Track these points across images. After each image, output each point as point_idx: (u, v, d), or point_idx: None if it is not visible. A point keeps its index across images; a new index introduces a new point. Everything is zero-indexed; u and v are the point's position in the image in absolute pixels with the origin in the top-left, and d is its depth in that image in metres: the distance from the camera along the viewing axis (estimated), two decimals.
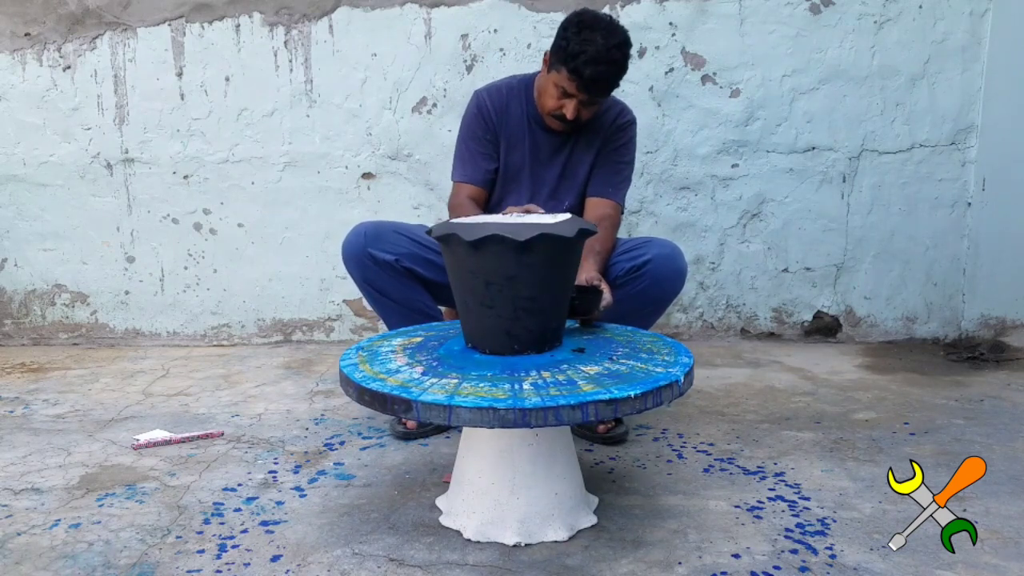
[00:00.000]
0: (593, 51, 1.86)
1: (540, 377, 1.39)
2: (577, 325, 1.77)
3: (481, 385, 1.36)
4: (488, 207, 2.17)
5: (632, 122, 2.16)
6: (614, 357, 1.51)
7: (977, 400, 2.30)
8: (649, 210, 2.98)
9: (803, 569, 1.38)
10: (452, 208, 2.12)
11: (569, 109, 1.97)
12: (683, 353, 1.53)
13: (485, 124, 2.12)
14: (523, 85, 2.14)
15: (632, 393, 1.29)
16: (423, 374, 1.45)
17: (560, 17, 2.81)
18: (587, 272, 1.82)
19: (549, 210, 2.05)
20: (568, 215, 1.59)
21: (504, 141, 2.13)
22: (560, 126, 2.05)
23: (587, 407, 1.27)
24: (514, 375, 1.41)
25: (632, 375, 1.39)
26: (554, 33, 1.97)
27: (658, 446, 1.97)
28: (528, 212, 1.74)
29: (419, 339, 1.72)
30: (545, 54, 2.00)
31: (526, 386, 1.35)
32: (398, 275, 2.01)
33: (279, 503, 1.67)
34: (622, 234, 2.63)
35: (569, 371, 1.42)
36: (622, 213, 2.15)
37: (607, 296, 1.76)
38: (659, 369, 1.42)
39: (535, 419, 1.26)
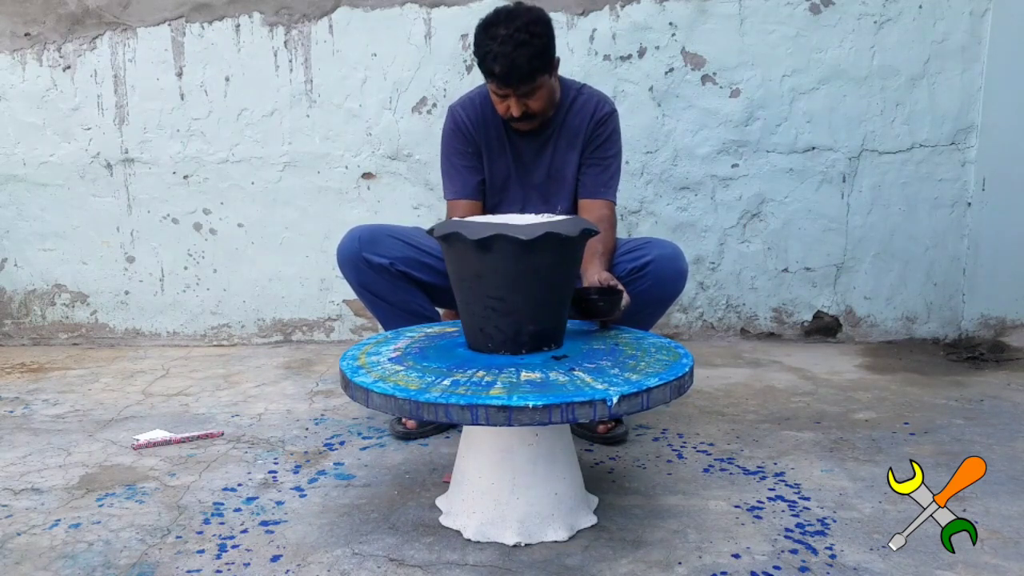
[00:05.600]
0: (496, 45, 1.84)
1: (472, 376, 1.40)
2: (597, 327, 1.76)
3: (412, 376, 1.42)
4: None
5: (612, 112, 2.11)
6: (576, 368, 1.45)
7: (977, 400, 2.30)
8: (649, 210, 2.98)
9: (803, 569, 1.38)
10: None
11: (513, 108, 1.94)
12: (659, 376, 1.39)
13: (465, 138, 2.09)
14: None
15: (531, 403, 1.26)
16: (390, 360, 1.53)
17: (560, 17, 2.83)
18: (598, 273, 1.81)
19: (540, 213, 2.04)
20: (568, 216, 1.59)
21: (486, 152, 2.10)
22: (523, 126, 2.02)
23: (477, 409, 1.27)
24: (450, 371, 1.43)
25: (562, 388, 1.32)
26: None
27: (658, 446, 1.97)
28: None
29: (451, 330, 1.77)
30: None
31: (445, 382, 1.37)
32: (393, 278, 2.00)
33: (279, 503, 1.67)
34: (621, 234, 2.63)
35: (504, 374, 1.40)
36: (615, 206, 2.13)
37: (626, 296, 1.75)
38: (601, 385, 1.33)
39: (427, 412, 1.31)
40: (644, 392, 1.33)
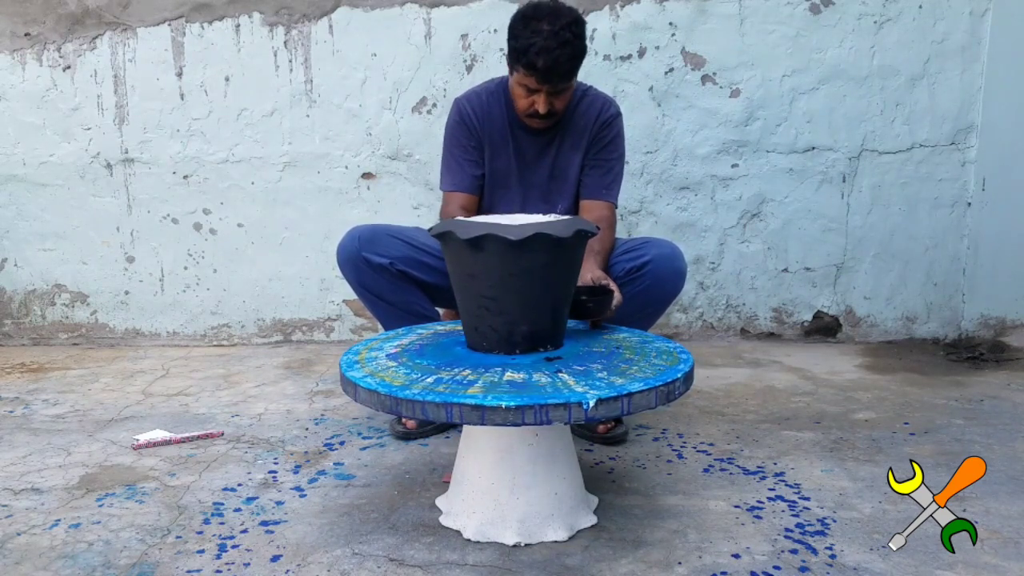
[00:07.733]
0: (541, 40, 1.84)
1: (456, 374, 1.41)
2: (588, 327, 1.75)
3: (400, 372, 1.44)
4: (479, 214, 2.15)
5: (617, 114, 2.11)
6: (564, 370, 1.43)
7: (977, 400, 2.30)
8: (649, 210, 2.98)
9: (803, 569, 1.38)
10: (444, 219, 2.11)
11: (540, 104, 1.94)
12: (645, 381, 1.36)
13: (468, 131, 2.09)
14: (501, 88, 2.09)
15: (504, 404, 1.27)
16: (387, 356, 1.55)
17: None
18: (591, 272, 1.80)
19: (542, 213, 2.04)
20: (566, 217, 1.59)
21: (488, 147, 2.10)
22: (540, 123, 2.02)
23: (451, 407, 1.29)
24: (438, 369, 1.45)
25: (540, 389, 1.32)
26: None
27: (658, 446, 1.97)
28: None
29: (460, 329, 1.76)
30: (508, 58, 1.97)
31: (428, 380, 1.39)
32: (393, 278, 2.00)
33: (279, 503, 1.67)
34: (621, 234, 2.63)
35: (488, 374, 1.41)
36: (616, 208, 2.13)
37: (617, 296, 1.75)
38: (581, 388, 1.32)
39: (406, 409, 1.33)
40: (624, 397, 1.32)
